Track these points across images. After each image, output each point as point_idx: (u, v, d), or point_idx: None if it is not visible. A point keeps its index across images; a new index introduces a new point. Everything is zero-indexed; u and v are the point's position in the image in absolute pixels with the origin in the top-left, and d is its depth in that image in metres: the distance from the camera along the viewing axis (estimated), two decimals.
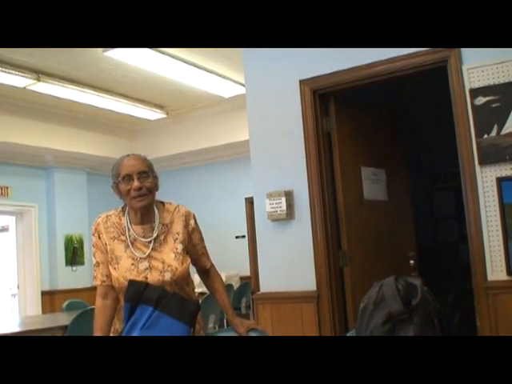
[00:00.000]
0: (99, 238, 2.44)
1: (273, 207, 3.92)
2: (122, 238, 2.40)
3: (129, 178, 2.35)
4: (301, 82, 3.91)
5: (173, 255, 2.39)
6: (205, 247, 2.59)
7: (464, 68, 3.36)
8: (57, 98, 7.59)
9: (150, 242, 2.39)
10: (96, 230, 2.46)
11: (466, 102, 3.35)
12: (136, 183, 2.33)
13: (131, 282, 2.13)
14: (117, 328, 2.43)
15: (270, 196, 3.94)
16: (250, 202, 8.91)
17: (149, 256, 2.37)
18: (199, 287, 6.41)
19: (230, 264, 8.36)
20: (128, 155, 2.44)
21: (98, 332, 2.32)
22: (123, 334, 1.97)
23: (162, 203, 2.51)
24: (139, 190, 2.33)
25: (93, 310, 2.46)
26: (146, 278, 2.29)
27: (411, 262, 4.36)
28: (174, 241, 2.42)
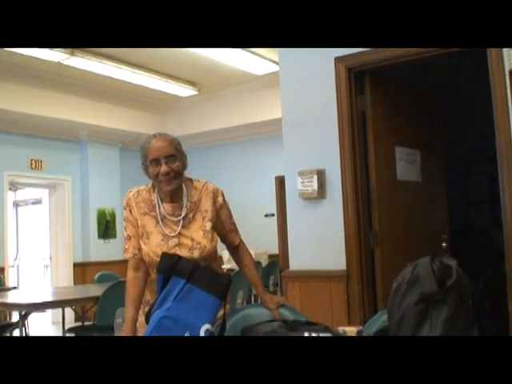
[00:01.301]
0: (130, 212, 2.45)
1: (304, 186, 3.90)
2: (153, 213, 2.42)
3: (156, 162, 2.34)
4: (336, 59, 3.86)
5: (201, 233, 2.40)
6: (234, 224, 2.59)
7: (504, 49, 3.27)
8: (90, 72, 7.64)
9: (179, 220, 2.39)
10: (127, 204, 2.47)
11: (506, 84, 3.26)
12: (164, 168, 2.32)
13: (164, 255, 2.14)
14: (147, 299, 2.46)
15: (301, 174, 3.92)
16: (280, 181, 8.89)
17: (178, 233, 2.38)
18: (228, 263, 6.48)
19: (259, 242, 8.38)
20: (155, 135, 2.41)
21: (129, 303, 2.35)
22: (156, 305, 1.99)
23: (191, 180, 2.51)
24: (167, 175, 2.33)
25: (124, 282, 2.49)
26: None
27: (443, 244, 4.31)
28: (203, 219, 2.43)
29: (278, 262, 8.46)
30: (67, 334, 5.37)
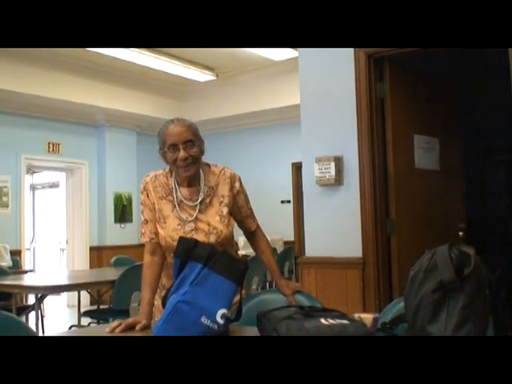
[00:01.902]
0: (147, 196, 2.45)
1: (321, 172, 3.89)
2: (170, 198, 2.42)
3: (174, 147, 2.33)
4: None
5: (218, 218, 2.40)
6: (250, 209, 2.59)
7: None
8: (108, 57, 7.65)
9: (196, 205, 2.39)
10: (145, 188, 2.47)
11: None
12: (182, 153, 2.31)
13: (181, 239, 2.14)
14: (164, 284, 2.47)
15: (318, 161, 3.91)
16: (296, 167, 8.89)
17: (195, 218, 2.39)
18: (243, 249, 6.50)
19: (275, 228, 8.38)
20: (173, 121, 2.40)
21: (146, 286, 2.36)
22: (172, 289, 2.00)
23: (208, 165, 2.50)
24: (185, 160, 2.32)
25: (140, 265, 2.50)
26: None
27: (460, 233, 4.29)
28: (220, 204, 2.43)
29: (293, 249, 8.47)
30: (83, 318, 5.43)
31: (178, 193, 2.41)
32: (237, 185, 2.50)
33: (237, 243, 2.92)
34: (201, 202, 2.40)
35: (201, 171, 2.44)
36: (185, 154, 2.32)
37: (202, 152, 2.41)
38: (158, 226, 2.42)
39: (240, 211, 2.53)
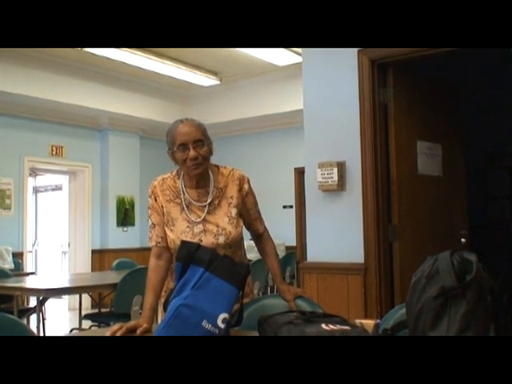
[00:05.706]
0: (155, 200, 2.45)
1: (324, 177, 3.89)
2: (178, 200, 2.42)
3: (184, 146, 2.33)
4: (359, 51, 3.84)
5: (227, 219, 2.40)
6: (258, 211, 2.59)
7: None
8: (112, 60, 7.67)
9: (204, 206, 2.40)
10: (153, 192, 2.47)
11: None
12: (192, 153, 2.31)
13: (183, 243, 2.14)
14: (170, 287, 2.46)
15: (321, 166, 3.91)
16: (298, 172, 8.89)
17: (203, 219, 2.38)
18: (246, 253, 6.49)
19: (276, 233, 8.26)
20: (182, 120, 2.41)
21: (149, 290, 2.36)
22: (174, 293, 1.99)
23: (217, 167, 2.51)
24: (195, 160, 2.32)
25: (141, 269, 2.50)
26: (201, 241, 2.31)
27: (462, 240, 4.28)
28: (228, 205, 2.43)
29: (295, 254, 8.46)
30: (84, 321, 5.43)
31: (186, 194, 2.41)
32: (246, 186, 2.50)
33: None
34: (209, 204, 2.40)
35: (210, 172, 2.44)
36: (195, 154, 2.31)
37: (210, 152, 2.41)
38: (166, 229, 2.42)
39: (249, 213, 2.53)
